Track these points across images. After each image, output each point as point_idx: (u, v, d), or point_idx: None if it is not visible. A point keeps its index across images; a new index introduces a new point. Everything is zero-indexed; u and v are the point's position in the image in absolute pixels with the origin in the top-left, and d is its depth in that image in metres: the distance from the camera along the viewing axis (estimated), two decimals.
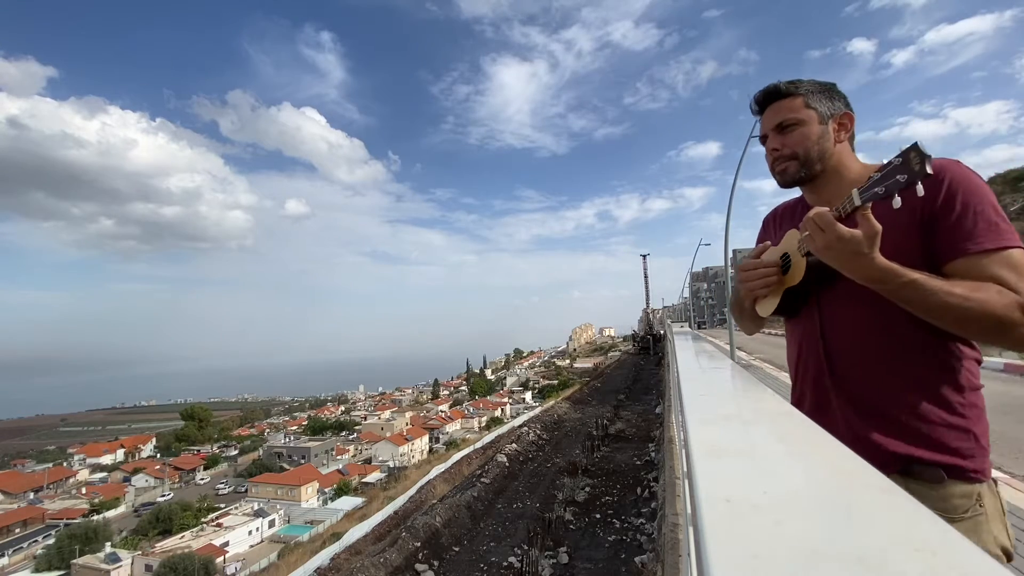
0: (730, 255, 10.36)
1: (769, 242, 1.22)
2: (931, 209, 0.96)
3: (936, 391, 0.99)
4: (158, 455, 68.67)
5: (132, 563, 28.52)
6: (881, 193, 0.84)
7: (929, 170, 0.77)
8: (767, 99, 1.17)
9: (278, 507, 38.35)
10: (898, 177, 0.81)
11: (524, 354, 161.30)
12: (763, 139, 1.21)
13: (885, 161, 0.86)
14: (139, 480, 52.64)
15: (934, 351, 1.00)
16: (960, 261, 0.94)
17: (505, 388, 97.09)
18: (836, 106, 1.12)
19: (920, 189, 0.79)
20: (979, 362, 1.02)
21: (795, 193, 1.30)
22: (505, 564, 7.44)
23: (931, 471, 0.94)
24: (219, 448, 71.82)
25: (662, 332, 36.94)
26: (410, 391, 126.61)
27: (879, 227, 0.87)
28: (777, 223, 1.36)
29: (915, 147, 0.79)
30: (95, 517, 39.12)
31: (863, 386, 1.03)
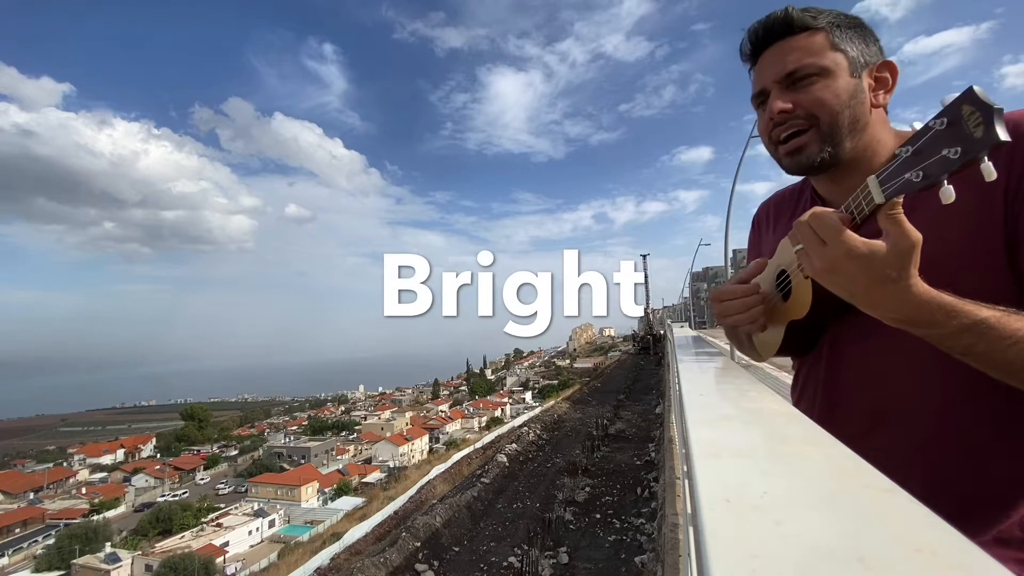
0: (730, 255, 10.35)
1: (762, 259, 0.81)
2: (1018, 188, 0.58)
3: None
4: (158, 455, 68.71)
5: (132, 563, 28.55)
6: (917, 181, 0.48)
7: (1003, 135, 0.43)
8: (770, 35, 0.72)
9: (278, 507, 38.38)
10: (946, 152, 0.46)
11: (524, 354, 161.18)
12: (759, 98, 0.75)
13: (919, 126, 0.50)
14: (139, 480, 52.70)
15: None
16: None
17: (505, 388, 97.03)
18: (871, 51, 0.70)
19: (989, 169, 0.44)
20: None
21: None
22: (505, 564, 7.44)
23: None
24: (219, 448, 71.84)
25: (662, 332, 36.91)
26: (410, 391, 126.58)
27: (917, 236, 0.52)
28: (771, 222, 0.90)
29: (970, 94, 0.45)
30: (95, 517, 39.14)
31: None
